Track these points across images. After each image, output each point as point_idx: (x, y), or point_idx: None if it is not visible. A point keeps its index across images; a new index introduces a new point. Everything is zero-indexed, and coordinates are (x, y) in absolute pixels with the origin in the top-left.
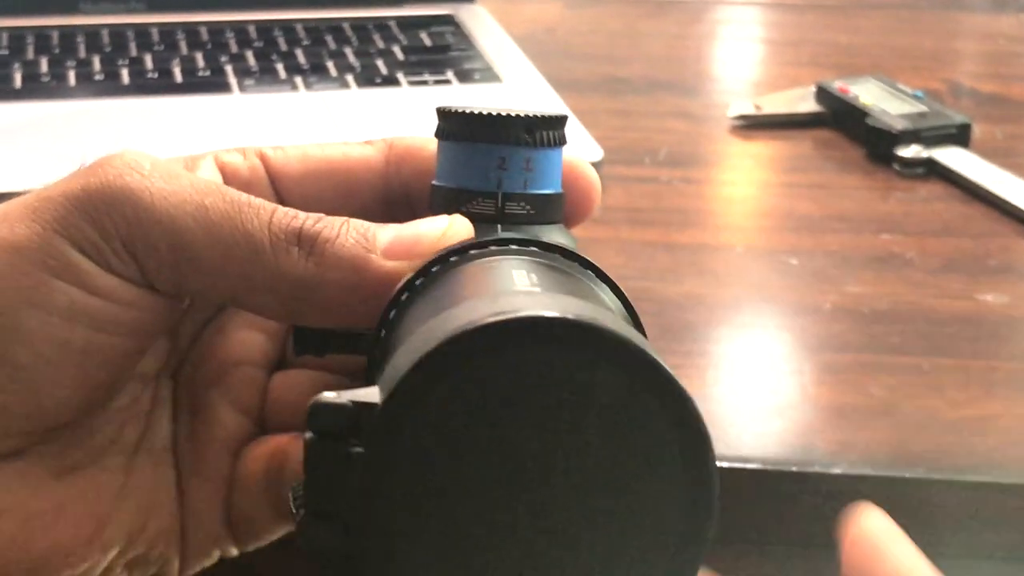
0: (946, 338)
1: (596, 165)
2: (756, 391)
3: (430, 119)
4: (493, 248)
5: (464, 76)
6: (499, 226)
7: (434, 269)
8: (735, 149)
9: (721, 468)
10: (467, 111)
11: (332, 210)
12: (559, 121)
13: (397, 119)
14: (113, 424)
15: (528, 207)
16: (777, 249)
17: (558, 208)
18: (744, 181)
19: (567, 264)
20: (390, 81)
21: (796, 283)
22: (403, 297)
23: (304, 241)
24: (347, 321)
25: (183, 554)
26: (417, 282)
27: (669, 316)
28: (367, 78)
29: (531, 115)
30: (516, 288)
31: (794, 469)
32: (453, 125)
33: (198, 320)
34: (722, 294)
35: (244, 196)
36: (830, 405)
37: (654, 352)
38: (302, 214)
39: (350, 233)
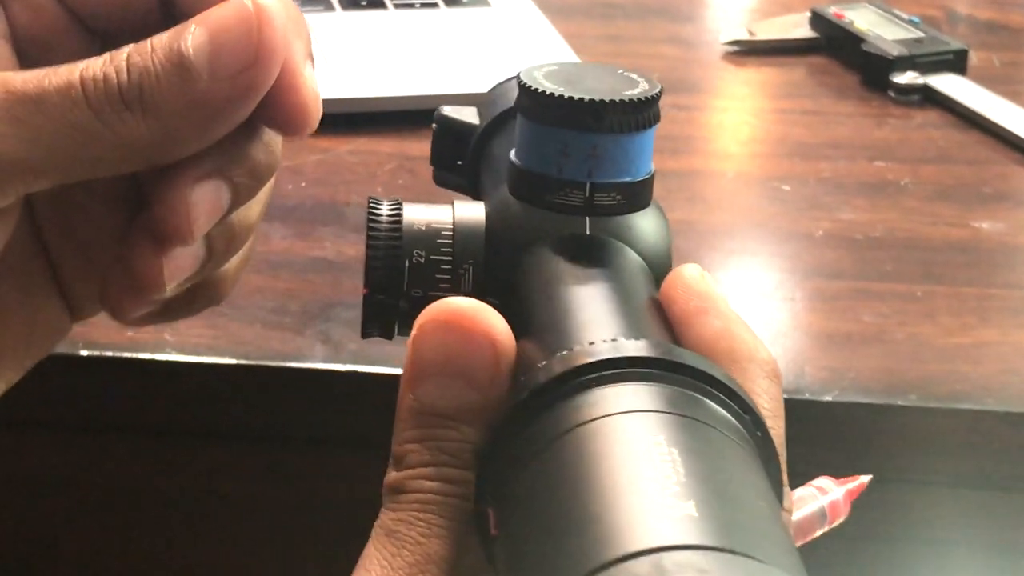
0: (940, 265)
1: None
2: (747, 318)
3: (415, 42)
4: (620, 378)
5: None
6: (587, 219)
7: (557, 403)
8: (728, 75)
9: None
10: (557, 93)
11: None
12: (655, 99)
13: (383, 43)
14: None
15: (618, 197)
16: (769, 175)
17: (648, 191)
18: (736, 108)
19: (708, 408)
20: (376, 3)
21: (788, 209)
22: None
23: (131, 102)
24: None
25: None
26: (529, 429)
27: None
28: (352, 0)
29: (626, 99)
30: (666, 515)
31: (784, 396)
32: (539, 105)
33: None
34: (713, 220)
35: (40, 81)
36: (822, 332)
37: None
38: (108, 68)
39: (171, 72)
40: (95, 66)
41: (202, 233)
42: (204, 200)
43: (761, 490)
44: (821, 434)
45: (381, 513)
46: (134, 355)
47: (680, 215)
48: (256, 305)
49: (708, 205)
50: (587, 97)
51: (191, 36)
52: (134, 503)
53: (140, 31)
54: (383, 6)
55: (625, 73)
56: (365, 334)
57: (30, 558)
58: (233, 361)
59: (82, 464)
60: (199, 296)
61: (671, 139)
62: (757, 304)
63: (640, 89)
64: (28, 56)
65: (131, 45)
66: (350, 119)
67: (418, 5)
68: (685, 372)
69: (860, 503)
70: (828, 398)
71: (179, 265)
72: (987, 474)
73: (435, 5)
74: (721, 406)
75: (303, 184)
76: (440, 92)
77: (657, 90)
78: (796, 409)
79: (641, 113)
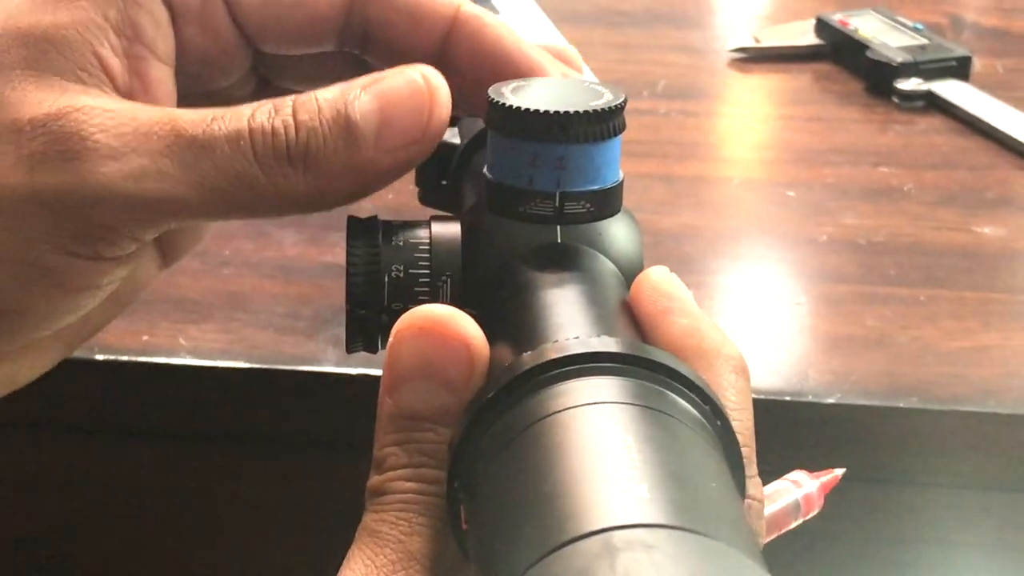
0: (943, 270)
1: None
2: (752, 322)
3: None
4: (584, 372)
5: None
6: (558, 227)
7: (524, 398)
8: (734, 82)
9: None
10: (523, 107)
11: (288, 36)
12: (620, 109)
13: None
14: None
15: (588, 205)
16: (775, 181)
17: (617, 198)
18: (743, 114)
19: (669, 399)
20: None
21: (793, 215)
22: (480, 433)
23: (295, 160)
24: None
25: None
26: (495, 424)
27: (666, 248)
28: None
29: (590, 109)
30: (618, 498)
31: (787, 399)
32: (506, 120)
33: None
34: (719, 226)
35: (210, 126)
36: (826, 336)
37: None
38: (276, 122)
39: (338, 136)
40: (262, 116)
41: None
42: None
43: (716, 474)
44: (824, 436)
45: (364, 515)
46: (149, 359)
47: (687, 220)
48: (269, 310)
49: (715, 210)
50: (552, 109)
51: (358, 103)
52: (148, 506)
53: (307, 58)
54: None
55: (591, 85)
56: (350, 349)
57: (46, 560)
58: (247, 365)
59: (97, 467)
60: None
61: (678, 144)
62: (762, 308)
63: (604, 100)
64: (188, 73)
65: (294, 97)
66: None
67: None
68: (645, 365)
69: (861, 505)
70: (831, 400)
71: None
72: (989, 476)
73: None
74: (681, 396)
75: None
76: None
77: (621, 100)
78: (799, 411)
79: (606, 123)
